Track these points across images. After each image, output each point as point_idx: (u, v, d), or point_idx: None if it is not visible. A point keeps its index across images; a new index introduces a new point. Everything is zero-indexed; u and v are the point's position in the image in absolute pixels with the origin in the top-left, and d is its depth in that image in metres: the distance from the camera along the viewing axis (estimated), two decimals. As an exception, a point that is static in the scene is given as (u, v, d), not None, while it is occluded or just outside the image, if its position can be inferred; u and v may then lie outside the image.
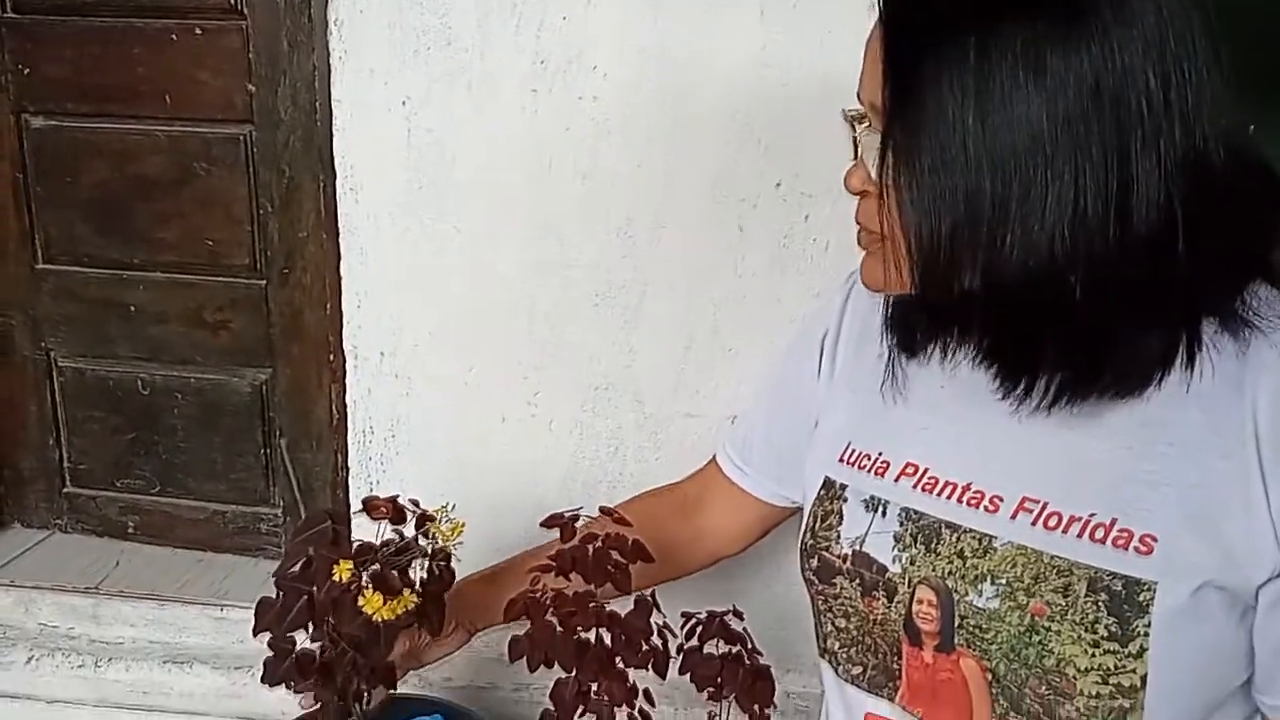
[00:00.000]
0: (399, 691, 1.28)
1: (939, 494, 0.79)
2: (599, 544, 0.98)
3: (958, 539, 0.77)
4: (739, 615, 1.09)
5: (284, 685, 1.02)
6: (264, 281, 1.42)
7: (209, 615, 1.44)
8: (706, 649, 1.06)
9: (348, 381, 1.33)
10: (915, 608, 0.78)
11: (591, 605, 0.97)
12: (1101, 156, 0.63)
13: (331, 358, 1.37)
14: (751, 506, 1.04)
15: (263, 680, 1.01)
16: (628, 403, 1.30)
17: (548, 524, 0.99)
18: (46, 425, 1.54)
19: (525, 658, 0.99)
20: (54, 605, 1.46)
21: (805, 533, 0.89)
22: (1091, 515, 0.71)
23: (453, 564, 1.01)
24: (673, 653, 1.03)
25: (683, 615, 1.10)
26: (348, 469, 1.38)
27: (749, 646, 1.07)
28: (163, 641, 1.44)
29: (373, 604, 0.91)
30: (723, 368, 1.27)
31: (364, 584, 0.92)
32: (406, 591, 0.94)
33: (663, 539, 1.07)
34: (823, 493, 0.88)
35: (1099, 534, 0.71)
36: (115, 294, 1.47)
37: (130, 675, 1.41)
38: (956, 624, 0.76)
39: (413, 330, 1.31)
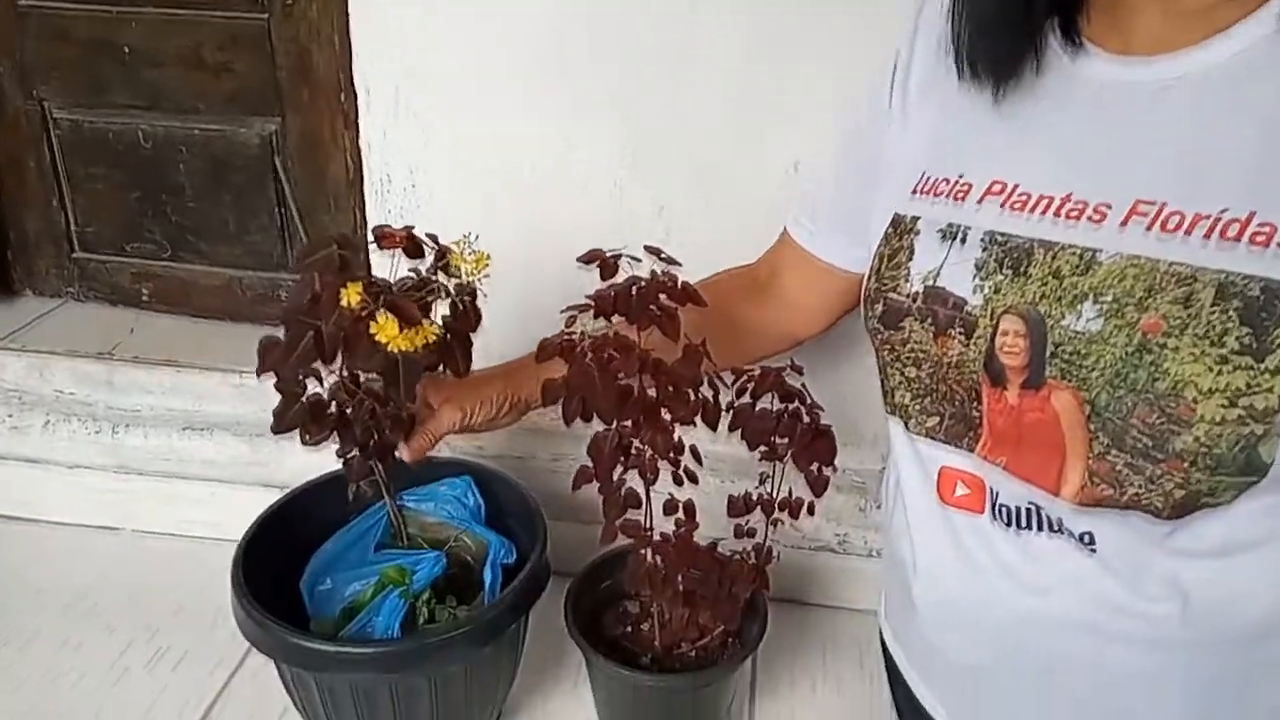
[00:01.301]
0: (431, 455, 1.21)
1: (1031, 211, 0.67)
2: (644, 284, 0.86)
3: (1052, 258, 0.65)
4: (798, 370, 0.98)
5: (301, 437, 0.94)
6: (266, 15, 1.27)
7: (228, 383, 1.36)
8: (760, 406, 0.96)
9: (361, 124, 1.19)
10: (999, 341, 0.67)
11: (634, 350, 0.86)
12: None
13: (343, 98, 1.23)
14: (826, 276, 0.91)
15: (273, 429, 0.92)
16: (676, 149, 1.15)
17: (586, 259, 0.87)
18: (48, 185, 1.44)
19: (561, 408, 0.89)
20: (68, 371, 1.39)
21: (869, 278, 0.77)
22: (1223, 211, 0.59)
23: (479, 302, 0.90)
24: (723, 408, 0.93)
25: (733, 372, 0.99)
26: (367, 228, 1.26)
27: (807, 402, 0.96)
28: (181, 409, 1.38)
29: (387, 331, 0.80)
30: (788, 104, 1.11)
31: (377, 311, 0.81)
32: (426, 322, 0.83)
33: (734, 319, 0.95)
34: (890, 231, 0.75)
35: (1231, 231, 0.59)
36: (107, 33, 1.33)
37: (149, 442, 1.35)
38: (1048, 354, 0.65)
39: (432, 65, 1.16)
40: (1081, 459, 0.64)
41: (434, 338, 0.83)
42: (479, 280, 0.90)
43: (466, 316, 0.90)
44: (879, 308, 0.75)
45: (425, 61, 1.15)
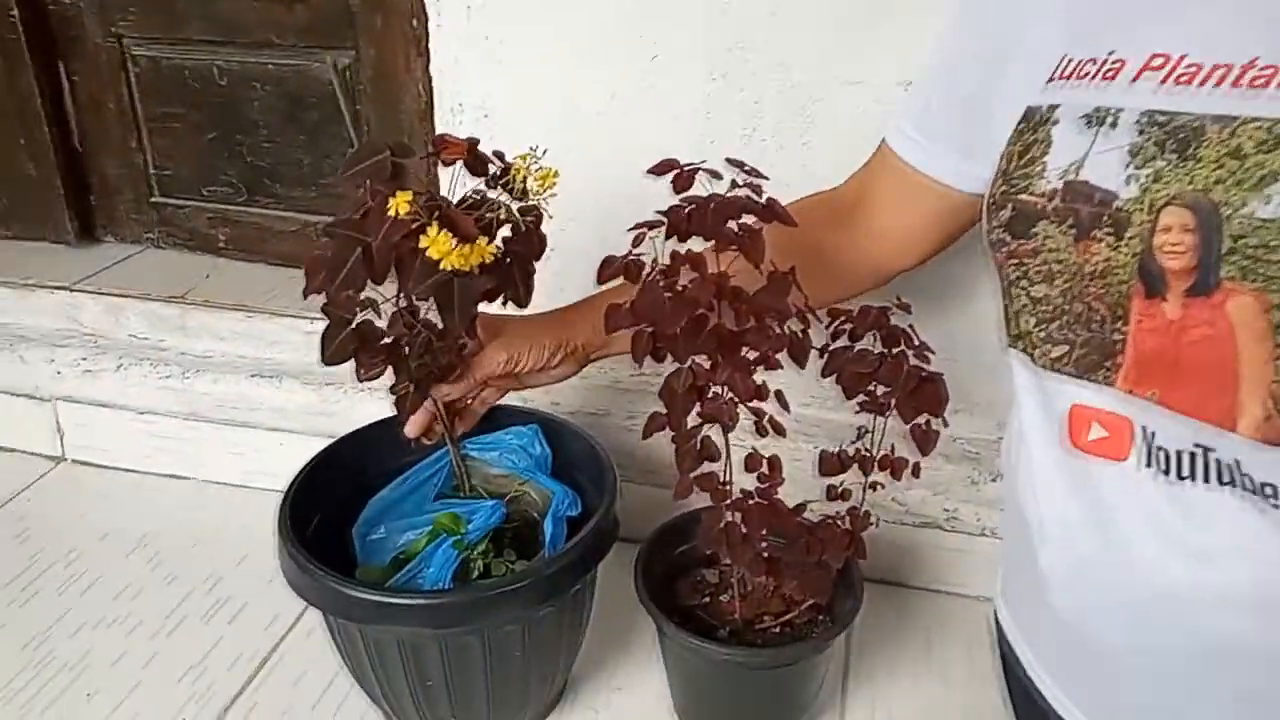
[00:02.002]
0: (498, 403, 1.13)
1: (1203, 83, 0.55)
2: (724, 199, 0.75)
3: (1231, 135, 0.53)
4: (905, 308, 0.86)
5: (357, 373, 0.87)
6: (339, -61, 1.21)
7: (299, 329, 1.31)
8: (859, 348, 0.84)
9: (431, 46, 1.12)
10: (1158, 240, 0.55)
11: (711, 274, 0.76)
12: None
13: (415, 24, 1.15)
14: (931, 196, 0.79)
15: (322, 359, 0.85)
16: (769, 68, 1.04)
17: (657, 169, 0.77)
18: (127, 126, 1.41)
19: (631, 345, 0.79)
20: (142, 314, 1.36)
21: (995, 182, 0.65)
22: None
23: (545, 227, 0.81)
24: (814, 346, 0.81)
25: (830, 313, 0.87)
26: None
27: (915, 344, 0.84)
28: (251, 356, 1.33)
29: (439, 246, 0.71)
30: (898, 13, 0.98)
31: (428, 225, 0.72)
32: (483, 240, 0.74)
33: (818, 248, 0.84)
34: (1022, 126, 0.63)
35: None
36: (181, -38, 1.29)
37: (218, 388, 1.31)
38: (1223, 250, 0.52)
39: (506, -18, 1.07)
40: (1263, 383, 0.51)
41: (491, 258, 0.74)
42: (545, 200, 0.81)
43: (530, 239, 0.81)
44: (1005, 213, 0.63)
45: (501, -21, 1.07)
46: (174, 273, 1.42)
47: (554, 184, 0.80)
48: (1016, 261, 0.63)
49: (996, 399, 1.14)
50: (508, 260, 0.79)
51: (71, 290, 1.38)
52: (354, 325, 0.83)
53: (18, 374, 1.36)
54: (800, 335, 0.79)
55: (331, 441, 1.01)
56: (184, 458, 1.33)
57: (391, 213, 0.73)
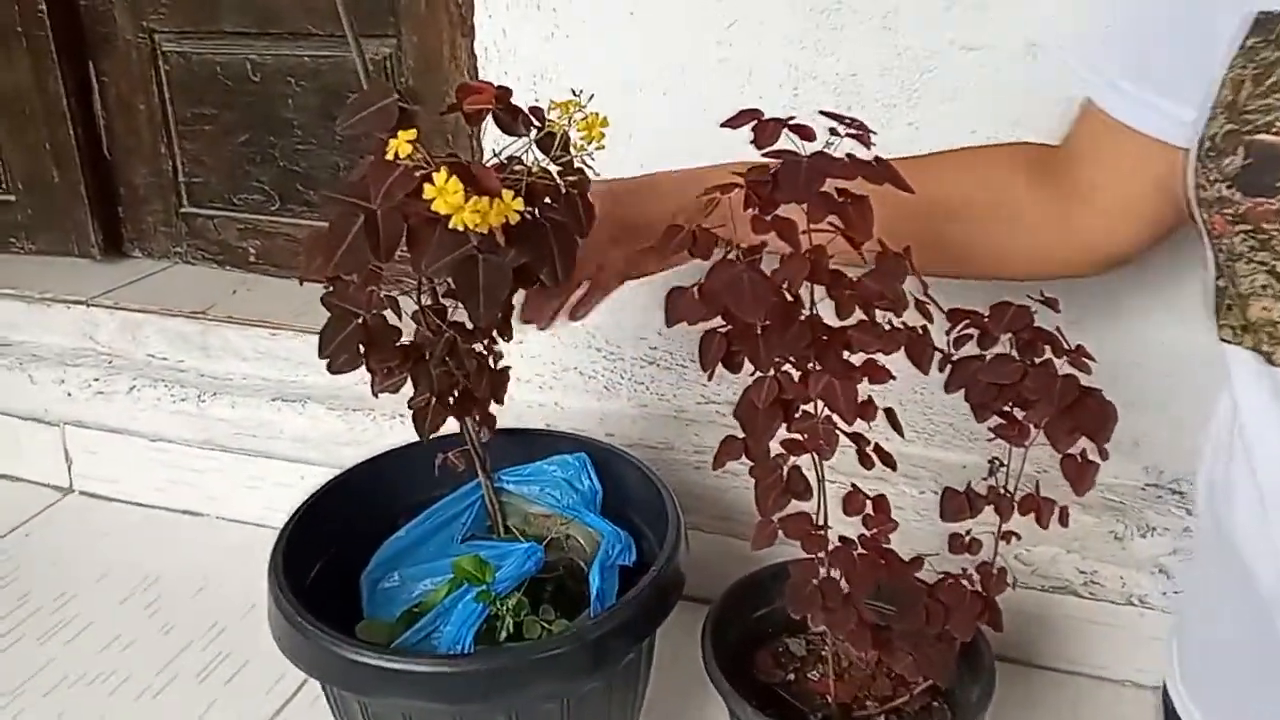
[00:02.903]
0: (540, 427, 0.96)
1: None
2: (818, 154, 0.58)
3: None
4: (1051, 304, 0.67)
5: (372, 386, 0.71)
6: (380, -86, 1.09)
7: (327, 349, 1.17)
8: (996, 354, 0.66)
9: (476, 21, 0.98)
10: None
11: (804, 251, 0.59)
12: None
13: (460, 4, 1.02)
14: (1159, 160, 0.60)
15: (321, 357, 0.69)
16: (869, 31, 0.87)
17: (732, 121, 0.60)
18: (156, 130, 1.31)
19: (700, 348, 0.62)
20: (161, 331, 1.23)
21: (1212, 120, 0.47)
22: None
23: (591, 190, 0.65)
24: (938, 349, 0.63)
25: (950, 314, 0.69)
26: (482, 156, 1.04)
27: (1068, 347, 0.65)
28: (275, 378, 1.19)
29: (448, 197, 0.55)
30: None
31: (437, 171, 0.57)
32: (508, 195, 0.58)
33: (1008, 204, 0.68)
34: (1254, 41, 0.46)
35: None
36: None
37: (236, 413, 1.17)
38: None
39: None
40: None
41: (516, 217, 0.58)
42: (590, 157, 0.65)
43: (574, 207, 0.65)
44: (1233, 161, 0.45)
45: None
46: (200, 288, 1.30)
47: (602, 136, 0.64)
48: (1249, 229, 0.45)
49: (1147, 437, 0.95)
50: (545, 225, 0.63)
51: (89, 305, 1.27)
52: (361, 320, 0.68)
53: (26, 395, 1.24)
54: (921, 332, 0.62)
55: (340, 471, 0.85)
56: (197, 490, 1.19)
57: (390, 155, 0.58)
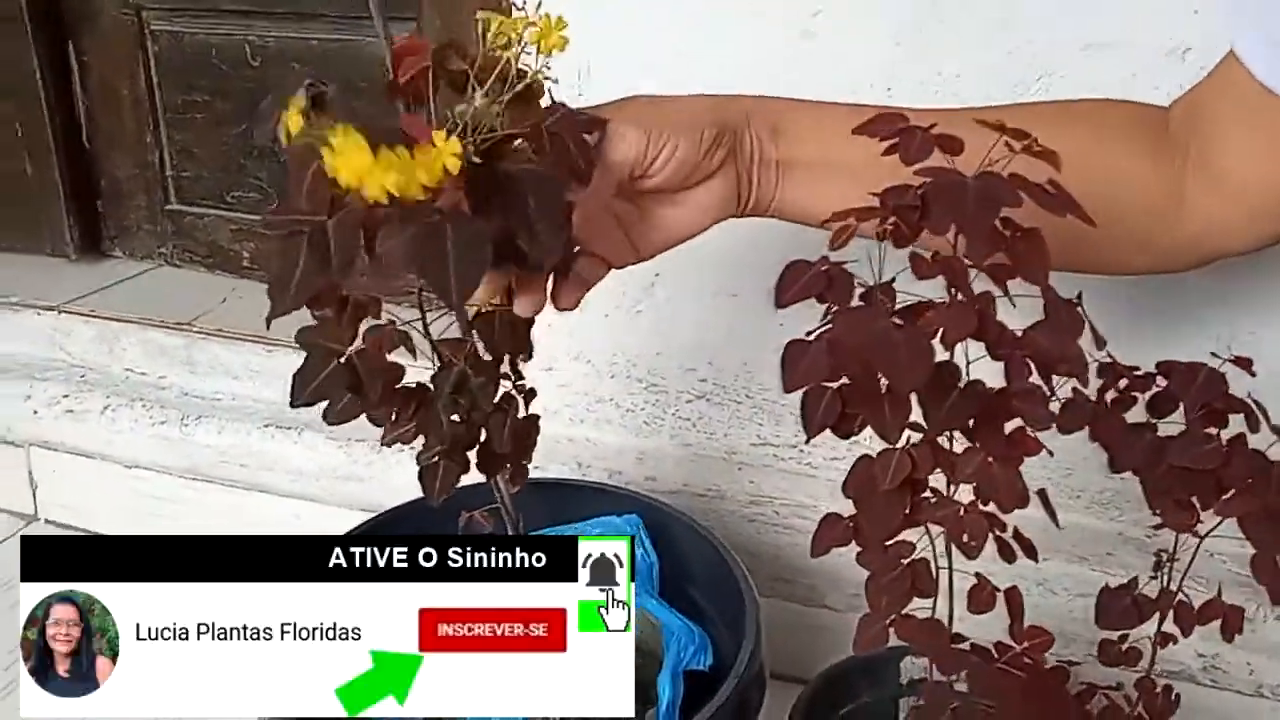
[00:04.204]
0: (579, 479, 0.84)
1: None
2: (988, 174, 0.45)
3: None
4: (1244, 364, 0.55)
5: (383, 437, 0.58)
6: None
7: (328, 369, 1.04)
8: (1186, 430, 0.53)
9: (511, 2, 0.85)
10: None
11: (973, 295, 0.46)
12: None
13: (490, -21, 0.88)
14: None
15: (294, 404, 0.55)
16: (979, 27, 0.75)
17: (866, 128, 0.47)
18: (142, 118, 1.18)
19: (804, 407, 0.49)
20: (140, 344, 1.10)
21: None
22: None
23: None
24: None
25: (1101, 368, 0.56)
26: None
27: (1264, 423, 0.52)
28: (268, 400, 1.06)
29: (349, 160, 0.40)
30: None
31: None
32: (440, 136, 0.43)
33: (1119, 178, 0.55)
34: None
35: None
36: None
37: (223, 439, 1.03)
38: None
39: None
40: None
41: (457, 164, 0.43)
42: (547, 67, 0.51)
43: (562, 149, 0.50)
44: None
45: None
46: (187, 295, 1.17)
47: (564, 42, 0.50)
48: None
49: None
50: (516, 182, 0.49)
51: (60, 311, 1.14)
52: (343, 359, 0.54)
53: (-12, 412, 1.11)
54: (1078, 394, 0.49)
55: (353, 528, 0.72)
56: (177, 525, 1.06)
57: (284, 136, 0.45)
